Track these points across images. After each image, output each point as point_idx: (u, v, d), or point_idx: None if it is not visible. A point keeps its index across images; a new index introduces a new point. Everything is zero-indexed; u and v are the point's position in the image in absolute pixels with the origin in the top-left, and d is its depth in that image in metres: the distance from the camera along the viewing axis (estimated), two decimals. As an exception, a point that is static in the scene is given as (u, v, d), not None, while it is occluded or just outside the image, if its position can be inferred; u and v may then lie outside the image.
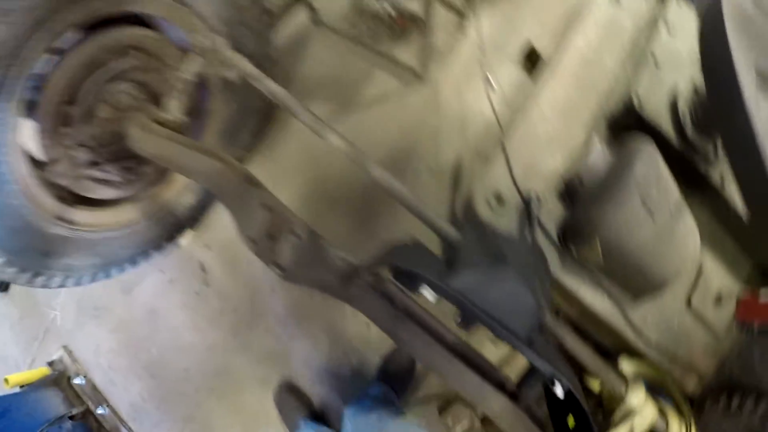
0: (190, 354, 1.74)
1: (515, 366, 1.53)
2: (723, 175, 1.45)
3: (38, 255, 1.29)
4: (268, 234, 0.95)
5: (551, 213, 1.36)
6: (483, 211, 1.34)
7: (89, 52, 1.19)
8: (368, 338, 1.65)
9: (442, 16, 1.76)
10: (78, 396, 1.79)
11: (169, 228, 1.68)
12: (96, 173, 1.36)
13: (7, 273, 1.25)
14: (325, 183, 1.78)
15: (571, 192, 1.38)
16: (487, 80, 1.79)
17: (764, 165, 1.02)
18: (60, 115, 1.21)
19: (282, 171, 1.78)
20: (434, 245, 1.09)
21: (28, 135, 1.19)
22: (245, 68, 1.22)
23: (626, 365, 1.35)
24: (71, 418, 1.71)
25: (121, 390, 1.78)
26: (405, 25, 1.87)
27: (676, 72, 1.49)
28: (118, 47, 1.25)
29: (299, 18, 1.96)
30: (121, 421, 1.76)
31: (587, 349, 1.29)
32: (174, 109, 1.33)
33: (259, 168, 1.72)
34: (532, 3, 1.97)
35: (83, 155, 1.31)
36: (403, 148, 1.79)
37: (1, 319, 1.96)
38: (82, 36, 1.18)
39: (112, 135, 1.31)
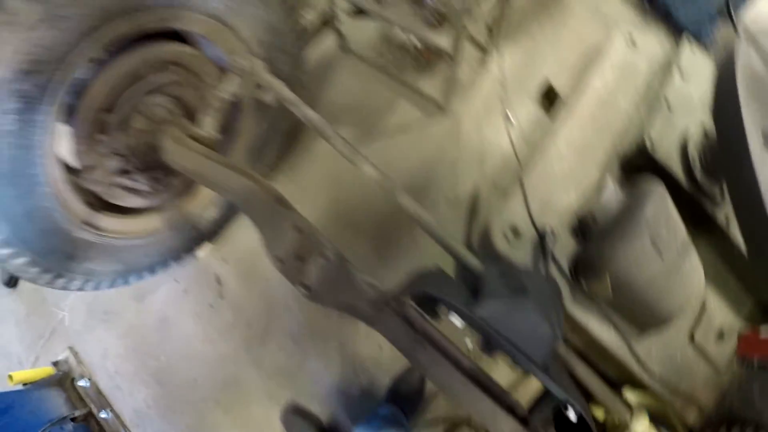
0: (199, 364, 1.69)
1: (524, 392, 1.51)
2: (728, 216, 1.47)
3: (63, 257, 1.26)
4: (297, 255, 0.95)
5: (564, 248, 1.37)
6: (500, 243, 1.36)
7: (132, 64, 1.18)
8: (380, 359, 1.62)
9: (466, 51, 1.76)
10: (81, 398, 1.72)
11: (190, 240, 1.66)
12: (125, 181, 1.34)
13: (29, 272, 1.21)
14: (345, 206, 1.77)
15: (584, 228, 1.39)
16: (507, 116, 1.80)
17: (765, 215, 1.07)
18: (97, 123, 1.19)
19: (303, 191, 1.76)
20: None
21: (63, 140, 1.17)
22: (282, 92, 1.22)
23: (630, 395, 1.36)
24: (73, 420, 1.63)
25: (126, 395, 1.72)
26: (430, 57, 1.89)
27: (687, 116, 1.52)
28: (160, 62, 1.24)
29: (327, 43, 1.97)
30: (124, 426, 1.70)
31: (596, 378, 1.33)
32: (208, 125, 1.32)
33: (280, 188, 1.67)
34: (552, 42, 1.99)
35: (115, 163, 1.29)
36: (423, 178, 1.79)
37: (7, 314, 1.90)
38: (126, 48, 1.16)
39: (146, 146, 1.29)
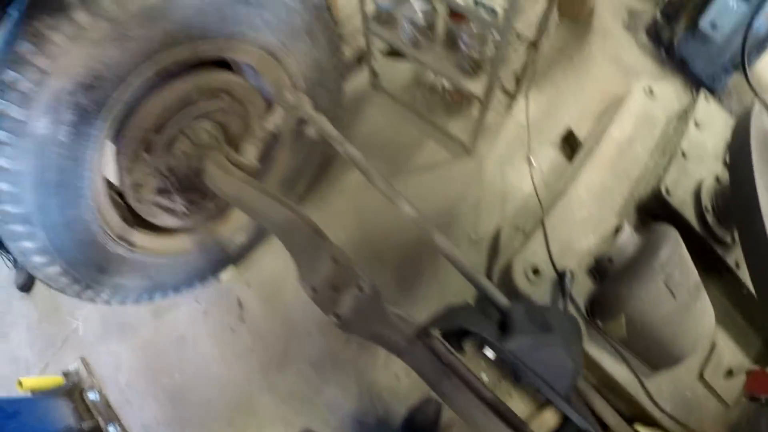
0: (214, 385, 1.59)
1: (537, 425, 1.44)
2: (738, 260, 1.47)
3: (95, 270, 1.21)
4: (333, 285, 0.93)
5: (581, 288, 1.35)
6: (521, 282, 1.36)
7: (187, 89, 1.16)
8: (397, 389, 1.53)
9: (494, 97, 1.78)
10: (89, 410, 1.61)
11: (218, 262, 1.61)
12: (163, 201, 1.30)
13: (59, 282, 1.16)
14: (369, 238, 1.73)
15: (601, 270, 1.38)
16: (530, 161, 1.79)
17: None
18: (144, 142, 1.16)
19: (330, 222, 1.69)
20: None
21: (109, 155, 1.14)
22: (326, 128, 1.20)
23: (642, 431, 1.35)
24: (80, 431, 1.54)
25: (136, 410, 1.61)
26: (460, 99, 1.89)
27: (701, 164, 1.53)
28: (212, 89, 1.22)
29: (359, 80, 1.97)
30: (132, 441, 1.59)
31: (611, 410, 1.34)
32: (250, 154, 1.31)
33: (309, 218, 1.69)
34: (574, 90, 2.00)
35: (156, 182, 1.25)
36: (446, 216, 1.75)
37: (19, 318, 1.81)
38: (178, 72, 1.14)
39: (188, 168, 1.26)
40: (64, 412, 1.55)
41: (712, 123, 1.60)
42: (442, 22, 1.58)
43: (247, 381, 1.57)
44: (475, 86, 1.52)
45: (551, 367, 0.91)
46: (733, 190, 1.33)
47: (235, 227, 1.55)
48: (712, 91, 1.91)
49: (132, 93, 1.01)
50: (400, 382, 1.53)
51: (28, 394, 1.52)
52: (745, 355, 1.47)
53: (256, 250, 1.71)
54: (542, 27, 1.49)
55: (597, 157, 1.53)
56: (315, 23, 1.25)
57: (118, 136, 1.11)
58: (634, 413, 1.36)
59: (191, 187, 1.32)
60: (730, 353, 1.44)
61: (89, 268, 1.19)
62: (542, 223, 1.40)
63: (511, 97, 1.88)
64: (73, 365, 1.66)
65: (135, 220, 1.29)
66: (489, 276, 1.50)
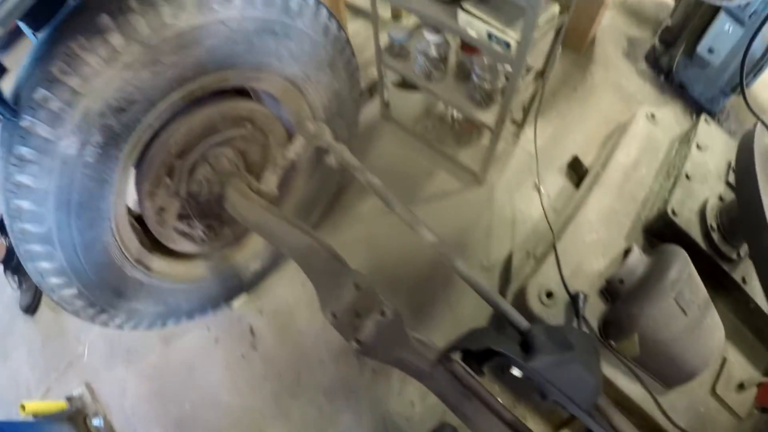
0: (224, 414, 1.49)
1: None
2: (744, 275, 1.45)
3: (111, 293, 1.15)
4: (355, 311, 0.92)
5: (593, 309, 1.33)
6: (535, 305, 1.33)
7: (213, 116, 1.14)
8: (412, 417, 1.44)
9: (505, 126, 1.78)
10: (91, 437, 1.51)
11: (232, 289, 1.55)
12: (182, 226, 1.25)
13: (73, 305, 1.10)
14: (383, 267, 1.68)
15: (612, 291, 1.35)
16: (539, 188, 1.78)
17: None
18: (166, 166, 1.13)
19: (343, 249, 1.66)
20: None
21: (131, 178, 1.10)
22: (347, 157, 1.18)
23: (658, 449, 1.30)
24: (83, 457, 1.43)
25: (141, 438, 1.51)
26: (470, 129, 1.89)
27: (704, 185, 1.53)
28: (236, 117, 1.20)
29: (371, 111, 1.97)
30: (137, 471, 1.47)
31: (631, 426, 1.23)
32: (270, 182, 1.28)
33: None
34: (578, 119, 2.01)
35: (176, 207, 1.21)
36: (458, 244, 1.72)
37: (21, 341, 1.72)
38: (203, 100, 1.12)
39: (209, 194, 1.22)
40: (66, 437, 1.44)
41: (713, 144, 1.61)
42: (454, 55, 1.59)
43: (259, 409, 1.47)
44: (487, 117, 1.52)
45: (575, 384, 0.91)
46: (741, 208, 1.33)
47: (250, 254, 1.51)
48: (710, 113, 1.94)
49: (159, 118, 0.98)
50: (414, 409, 1.44)
51: (30, 418, 1.42)
52: (755, 368, 1.44)
53: (269, 277, 1.65)
54: (549, 58, 1.51)
55: (604, 181, 1.53)
56: (337, 56, 1.25)
57: (142, 160, 1.07)
58: (649, 430, 1.32)
59: (210, 213, 1.28)
60: (741, 367, 1.42)
61: (105, 292, 1.13)
62: (554, 248, 1.39)
63: (519, 126, 1.88)
64: (77, 390, 1.56)
65: (154, 245, 1.24)
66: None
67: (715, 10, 1.74)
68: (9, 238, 1.84)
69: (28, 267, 0.98)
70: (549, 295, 1.33)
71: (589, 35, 2.14)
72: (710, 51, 1.81)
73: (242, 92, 1.25)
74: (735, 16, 1.69)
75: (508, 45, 1.25)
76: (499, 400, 1.06)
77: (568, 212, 1.55)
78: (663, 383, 1.30)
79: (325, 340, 1.55)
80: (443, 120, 1.92)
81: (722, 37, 1.75)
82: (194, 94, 1.01)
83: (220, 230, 1.36)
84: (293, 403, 1.47)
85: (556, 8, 1.31)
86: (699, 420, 1.32)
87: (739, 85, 1.70)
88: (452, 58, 1.59)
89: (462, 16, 1.28)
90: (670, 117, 1.76)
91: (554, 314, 1.31)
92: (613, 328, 1.29)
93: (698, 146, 1.59)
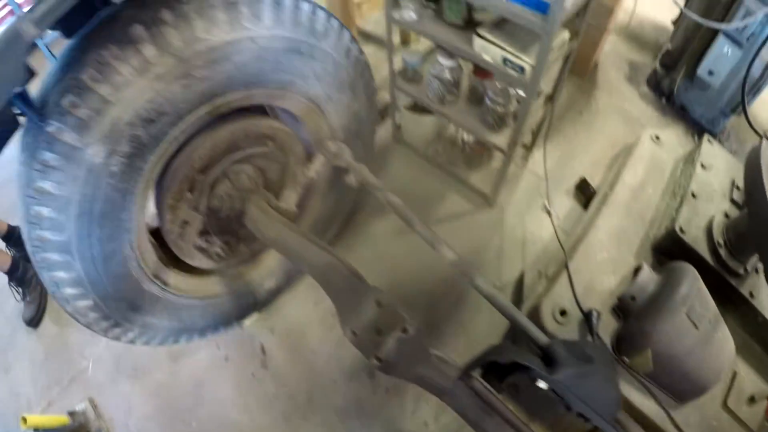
0: (233, 434, 1.40)
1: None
2: (751, 290, 1.42)
3: (126, 307, 1.08)
4: (376, 328, 0.89)
5: (606, 326, 1.30)
6: (549, 323, 1.29)
7: (238, 133, 1.10)
8: (425, 437, 1.36)
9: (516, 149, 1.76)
10: (94, 454, 1.40)
11: (245, 307, 1.48)
12: (200, 242, 1.20)
13: (87, 317, 1.02)
14: (396, 286, 1.60)
15: (624, 308, 1.32)
16: (548, 210, 1.75)
17: None
18: (189, 181, 1.08)
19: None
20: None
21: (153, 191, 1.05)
22: (367, 177, 1.15)
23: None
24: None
25: (147, 457, 1.40)
26: (481, 152, 1.86)
27: (710, 203, 1.51)
28: (260, 135, 1.16)
29: (383, 133, 1.94)
30: (141, 490, 1.36)
31: None
32: (290, 200, 1.24)
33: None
34: (585, 142, 2.00)
35: (200, 221, 1.15)
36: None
37: (23, 353, 1.63)
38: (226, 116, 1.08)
39: (230, 209, 1.17)
40: (68, 453, 1.35)
41: (717, 164, 1.61)
42: (466, 79, 1.58)
43: (269, 429, 1.38)
44: (499, 139, 1.49)
45: (597, 395, 0.91)
46: (752, 220, 1.32)
47: (265, 272, 1.45)
48: (711, 134, 1.92)
49: (185, 132, 0.94)
50: (428, 429, 1.35)
51: (31, 432, 1.32)
52: (764, 381, 1.39)
53: (281, 296, 1.59)
54: (558, 83, 1.51)
55: (613, 201, 1.51)
56: (358, 78, 1.24)
57: (165, 173, 1.02)
58: (664, 445, 1.26)
59: (228, 230, 1.23)
60: (751, 381, 1.37)
61: (121, 305, 1.06)
62: (566, 267, 1.35)
63: (528, 149, 1.87)
64: (80, 405, 1.47)
65: (171, 260, 1.18)
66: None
67: (714, 33, 1.74)
68: (13, 249, 1.80)
69: (44, 276, 0.91)
70: (563, 313, 1.29)
71: (592, 60, 2.15)
72: (710, 73, 1.81)
73: (260, 110, 1.22)
74: (733, 39, 1.69)
75: (522, 69, 1.24)
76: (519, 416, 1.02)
77: (577, 232, 1.52)
78: (676, 398, 1.26)
79: (338, 360, 1.47)
80: (454, 143, 1.89)
81: (721, 59, 1.75)
82: (220, 109, 0.98)
83: (236, 247, 1.30)
84: (304, 423, 1.38)
85: (566, 34, 1.31)
86: (712, 434, 1.26)
87: (741, 104, 1.70)
88: (464, 83, 1.58)
89: (478, 42, 1.28)
90: (674, 139, 1.75)
91: (568, 332, 1.27)
92: (626, 344, 1.25)
93: (703, 166, 1.58)
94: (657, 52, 2.15)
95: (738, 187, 1.54)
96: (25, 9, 0.68)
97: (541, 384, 0.90)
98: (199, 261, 1.22)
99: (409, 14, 1.38)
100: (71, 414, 1.44)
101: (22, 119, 0.81)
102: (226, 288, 1.34)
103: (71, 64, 0.78)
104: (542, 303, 1.31)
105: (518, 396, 1.44)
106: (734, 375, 1.34)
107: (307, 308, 1.59)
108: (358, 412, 1.38)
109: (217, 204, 1.15)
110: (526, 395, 1.00)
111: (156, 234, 1.15)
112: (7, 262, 1.69)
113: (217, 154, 1.09)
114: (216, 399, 1.45)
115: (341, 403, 1.40)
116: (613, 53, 2.34)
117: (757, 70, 1.67)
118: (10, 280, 1.71)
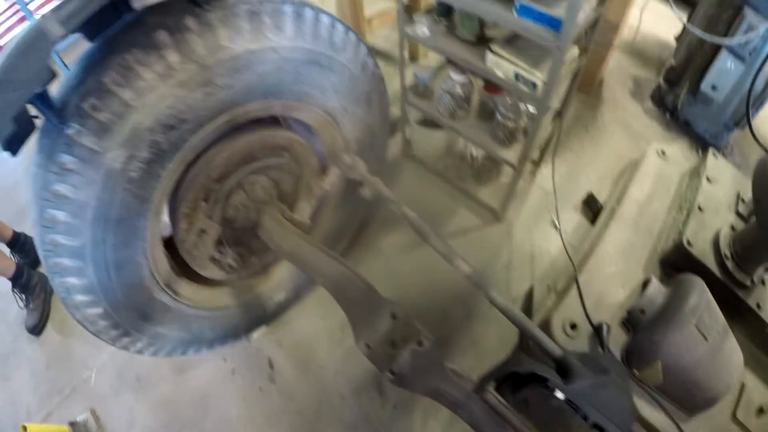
0: (239, 449, 1.33)
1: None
2: (759, 301, 1.39)
3: (137, 316, 1.03)
4: (391, 341, 0.86)
5: (616, 339, 1.26)
6: (560, 336, 1.25)
7: (254, 143, 1.07)
8: (435, 453, 1.29)
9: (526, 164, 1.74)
10: (95, 465, 1.33)
11: (254, 319, 1.43)
12: (214, 252, 1.16)
13: (97, 325, 0.98)
14: (404, 301, 1.55)
15: (633, 321, 1.29)
16: (557, 224, 1.72)
17: None
18: (205, 190, 1.05)
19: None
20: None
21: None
22: (382, 189, 1.12)
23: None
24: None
25: (149, 471, 1.33)
26: (490, 168, 1.84)
27: (716, 216, 1.49)
28: (276, 146, 1.14)
29: (392, 148, 1.90)
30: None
31: None
32: (304, 211, 1.21)
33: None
34: (591, 158, 1.98)
35: (213, 232, 1.12)
36: (479, 279, 1.64)
37: (24, 361, 1.56)
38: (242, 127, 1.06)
39: (245, 220, 1.14)
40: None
41: (722, 177, 1.60)
42: (477, 94, 1.57)
43: (276, 445, 1.31)
44: (509, 155, 1.48)
45: (613, 405, 0.91)
46: (762, 230, 1.30)
47: (275, 285, 1.40)
48: (715, 148, 1.89)
49: (204, 140, 0.92)
50: (438, 444, 1.30)
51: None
52: None
53: (289, 310, 1.54)
54: (567, 98, 1.50)
55: (620, 216, 1.49)
56: (373, 92, 1.22)
57: (181, 181, 0.99)
58: (675, 457, 1.21)
59: (241, 241, 1.19)
60: (759, 392, 1.34)
61: (132, 314, 1.01)
62: (576, 281, 1.32)
63: (535, 164, 1.85)
64: (82, 416, 1.40)
65: (183, 269, 1.14)
66: (522, 335, 1.40)
67: (717, 49, 1.74)
68: (17, 255, 1.75)
69: (55, 282, 0.87)
70: (573, 326, 1.26)
71: (597, 77, 2.15)
72: (713, 88, 1.80)
73: (275, 121, 1.20)
74: (736, 54, 1.68)
75: (534, 85, 1.23)
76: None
77: (585, 247, 1.49)
78: (686, 410, 1.22)
79: (346, 374, 1.42)
80: (463, 158, 1.87)
81: (724, 74, 1.74)
82: (238, 119, 0.95)
83: (249, 259, 1.26)
84: (312, 438, 1.32)
85: (575, 51, 1.31)
86: (721, 447, 1.22)
87: (746, 118, 1.67)
88: (475, 98, 1.57)
89: (490, 58, 1.27)
90: (679, 153, 1.74)
91: (579, 345, 1.24)
92: (636, 357, 1.23)
93: (708, 179, 1.57)
94: (661, 67, 2.17)
95: (743, 200, 1.53)
96: (52, 6, 0.65)
97: (559, 394, 0.88)
98: (211, 272, 1.18)
99: (422, 30, 1.38)
100: (72, 424, 1.38)
101: (37, 121, 0.78)
102: (236, 300, 1.29)
103: (93, 67, 0.75)
104: (552, 317, 1.28)
105: (528, 411, 1.41)
106: (742, 387, 1.30)
107: (315, 322, 1.54)
108: (367, 428, 1.32)
109: (232, 214, 1.12)
110: (536, 410, 0.98)
111: (167, 244, 1.11)
112: (11, 268, 1.63)
113: (233, 164, 1.06)
114: (221, 413, 1.38)
115: (349, 419, 1.34)
116: (617, 69, 2.35)
117: (760, 84, 1.67)
118: (14, 286, 1.66)
